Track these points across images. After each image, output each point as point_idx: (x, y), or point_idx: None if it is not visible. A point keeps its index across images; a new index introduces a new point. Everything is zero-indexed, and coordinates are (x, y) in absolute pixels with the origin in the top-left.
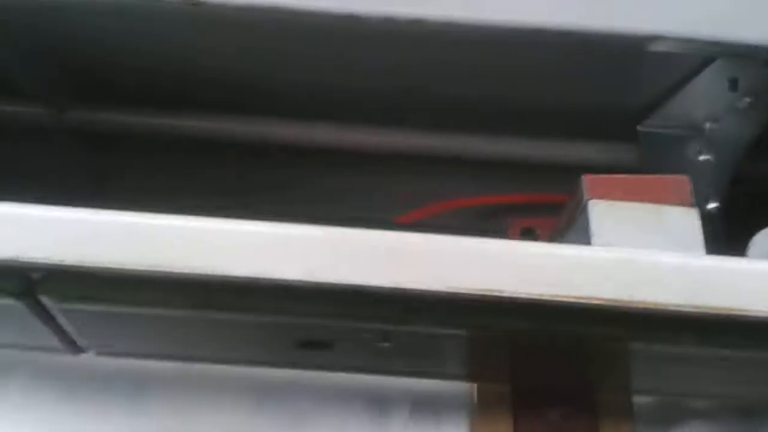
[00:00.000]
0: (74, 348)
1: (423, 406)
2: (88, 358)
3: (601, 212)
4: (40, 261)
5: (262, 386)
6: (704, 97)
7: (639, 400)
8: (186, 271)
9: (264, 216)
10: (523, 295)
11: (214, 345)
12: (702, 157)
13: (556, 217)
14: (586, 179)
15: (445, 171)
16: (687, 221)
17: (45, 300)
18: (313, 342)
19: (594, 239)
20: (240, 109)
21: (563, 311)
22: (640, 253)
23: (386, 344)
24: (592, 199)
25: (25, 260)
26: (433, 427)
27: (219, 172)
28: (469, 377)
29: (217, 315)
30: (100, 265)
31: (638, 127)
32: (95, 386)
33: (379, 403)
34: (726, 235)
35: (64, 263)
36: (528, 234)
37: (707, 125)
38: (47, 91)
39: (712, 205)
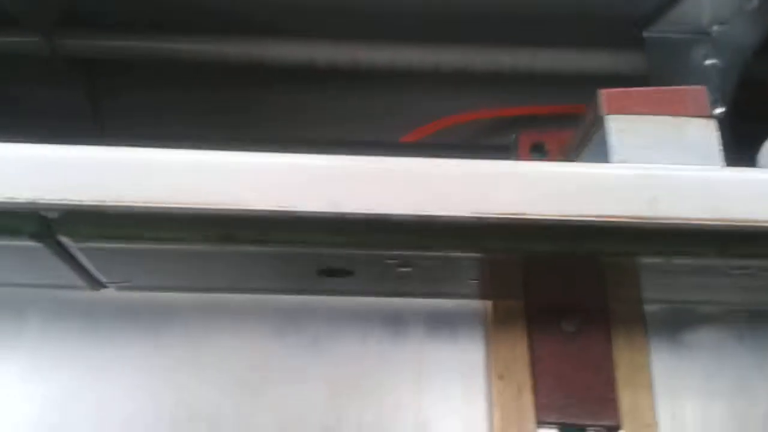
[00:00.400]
0: (95, 284)
1: (439, 322)
2: (108, 293)
3: (619, 127)
4: (57, 203)
5: (281, 312)
6: (711, 0)
7: (649, 307)
8: (208, 207)
9: (269, 139)
10: (546, 217)
11: (233, 276)
12: (708, 62)
13: (563, 130)
14: (603, 94)
15: (449, 86)
16: (705, 132)
17: (64, 240)
18: (335, 270)
19: (612, 156)
20: (239, 30)
21: (586, 230)
22: (659, 168)
23: (407, 269)
24: (609, 114)
25: (43, 203)
26: (450, 342)
27: (220, 96)
28: (485, 295)
29: (237, 249)
30: (119, 204)
31: (644, 33)
32: (116, 320)
33: (397, 322)
34: (733, 139)
35: (82, 204)
36: (538, 150)
37: (714, 29)
38: (37, 18)
39: (718, 110)
